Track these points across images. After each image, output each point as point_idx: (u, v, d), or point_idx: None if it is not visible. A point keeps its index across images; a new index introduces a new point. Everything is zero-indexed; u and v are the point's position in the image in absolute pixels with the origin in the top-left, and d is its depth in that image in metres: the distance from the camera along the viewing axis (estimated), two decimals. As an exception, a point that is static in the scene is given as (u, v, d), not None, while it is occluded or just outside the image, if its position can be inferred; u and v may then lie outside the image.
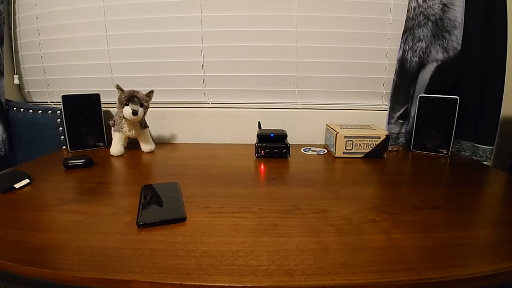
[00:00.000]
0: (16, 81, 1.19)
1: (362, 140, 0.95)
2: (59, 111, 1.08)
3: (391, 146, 1.07)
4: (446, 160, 0.96)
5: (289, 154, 0.95)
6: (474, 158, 1.02)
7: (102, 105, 1.05)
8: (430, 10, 0.97)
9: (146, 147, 1.02)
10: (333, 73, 1.11)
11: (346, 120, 1.14)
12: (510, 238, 0.51)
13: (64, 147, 1.09)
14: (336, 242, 0.49)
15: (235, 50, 1.09)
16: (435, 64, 1.02)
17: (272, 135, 0.97)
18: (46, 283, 0.43)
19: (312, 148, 1.07)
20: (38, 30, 1.14)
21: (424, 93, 1.04)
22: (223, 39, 1.09)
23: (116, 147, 0.98)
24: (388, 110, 1.09)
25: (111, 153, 0.97)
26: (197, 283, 0.40)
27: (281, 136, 0.97)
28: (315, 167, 0.88)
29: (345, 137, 0.95)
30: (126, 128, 0.97)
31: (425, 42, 1.00)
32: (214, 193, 0.68)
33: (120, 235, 0.51)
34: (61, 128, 1.09)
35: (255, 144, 0.96)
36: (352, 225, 0.55)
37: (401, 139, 1.12)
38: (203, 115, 1.15)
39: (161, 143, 1.14)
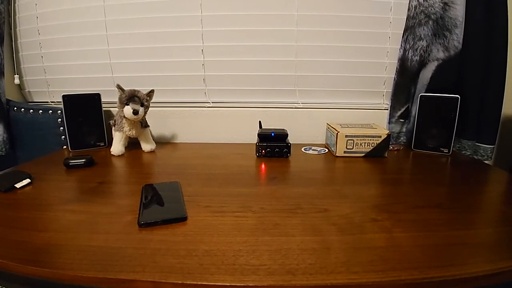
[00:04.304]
0: (17, 81, 1.19)
1: (363, 139, 0.95)
2: (59, 111, 1.08)
3: (392, 145, 1.07)
4: (447, 159, 0.96)
5: (290, 154, 0.95)
6: (475, 157, 1.02)
7: (103, 105, 1.05)
8: (431, 9, 0.97)
9: (146, 146, 1.02)
10: (333, 72, 1.11)
11: (347, 119, 1.14)
12: (512, 237, 0.51)
13: (64, 146, 1.09)
14: (338, 241, 0.49)
15: (235, 50, 1.09)
16: (436, 63, 1.02)
17: (273, 134, 0.97)
18: (48, 282, 0.43)
19: (313, 147, 1.07)
20: (38, 30, 1.14)
21: (425, 92, 1.04)
22: (223, 39, 1.08)
23: (117, 146, 0.98)
24: (389, 109, 1.09)
25: (111, 152, 0.97)
26: (199, 283, 0.40)
27: (281, 136, 0.97)
28: (316, 166, 0.88)
29: (346, 136, 0.95)
30: (126, 127, 0.97)
31: (426, 41, 1.00)
32: (215, 193, 0.68)
33: (122, 235, 0.51)
34: (61, 128, 1.09)
35: (256, 143, 0.96)
36: (353, 224, 0.55)
37: (402, 138, 1.12)
38: (204, 114, 1.15)
39: (161, 142, 1.14)
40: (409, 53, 1.01)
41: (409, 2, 0.97)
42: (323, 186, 0.73)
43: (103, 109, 1.05)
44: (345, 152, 0.96)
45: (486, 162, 0.97)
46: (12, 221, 0.55)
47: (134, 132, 0.98)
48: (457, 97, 0.95)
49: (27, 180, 0.72)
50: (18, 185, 0.70)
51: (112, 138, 1.00)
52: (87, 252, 0.46)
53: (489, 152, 1.00)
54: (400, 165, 0.90)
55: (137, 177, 0.79)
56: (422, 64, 1.03)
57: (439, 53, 1.01)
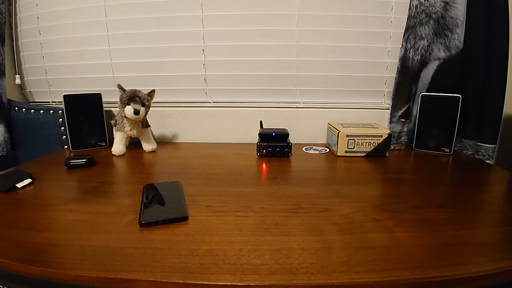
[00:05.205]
0: (18, 81, 1.19)
1: (364, 139, 0.95)
2: (60, 111, 1.08)
3: (393, 145, 1.07)
4: (449, 158, 0.95)
5: (291, 153, 0.95)
6: (476, 156, 1.02)
7: (104, 105, 1.05)
8: (432, 8, 0.96)
9: (147, 146, 1.02)
10: (334, 71, 1.11)
11: (348, 119, 1.13)
12: (514, 236, 0.50)
13: (66, 146, 1.09)
14: (339, 241, 0.49)
15: (236, 49, 1.09)
16: (437, 63, 1.02)
17: (274, 134, 0.97)
18: (49, 282, 0.43)
19: (314, 147, 1.07)
20: (39, 30, 1.14)
21: (426, 92, 1.04)
22: (224, 38, 1.08)
23: (118, 146, 0.98)
24: (390, 108, 1.09)
25: (113, 152, 0.98)
26: (200, 282, 0.40)
27: (282, 135, 0.97)
28: (317, 166, 0.88)
29: (347, 136, 0.94)
30: (127, 127, 0.97)
31: (427, 40, 1.00)
32: (216, 192, 0.68)
33: (123, 234, 0.51)
34: (62, 128, 1.09)
35: (257, 143, 0.96)
36: (354, 223, 0.54)
37: (403, 138, 1.12)
38: (205, 114, 1.15)
39: (162, 142, 1.14)
40: (410, 52, 1.01)
41: (410, 1, 0.97)
42: (324, 185, 0.73)
43: (104, 109, 1.05)
44: (346, 151, 0.96)
45: (487, 161, 0.97)
46: (13, 221, 0.55)
47: (135, 132, 0.98)
48: (458, 96, 0.95)
49: (28, 180, 0.73)
50: (19, 185, 0.70)
51: (113, 138, 1.00)
52: (88, 252, 0.46)
53: (491, 151, 1.00)
54: (401, 164, 0.90)
55: (138, 177, 0.79)
56: (423, 63, 1.03)
57: (440, 53, 1.01)
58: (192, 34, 1.09)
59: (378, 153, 0.96)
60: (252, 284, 0.39)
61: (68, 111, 1.00)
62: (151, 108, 0.99)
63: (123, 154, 0.98)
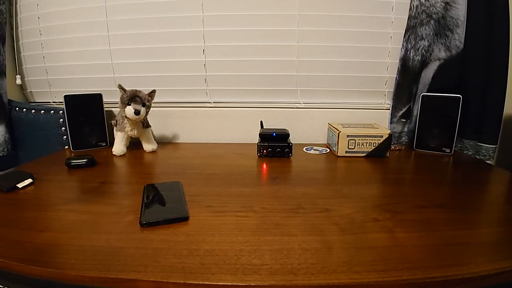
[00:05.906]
0: (19, 81, 1.19)
1: (365, 139, 0.95)
2: (61, 111, 1.09)
3: (394, 145, 1.07)
4: (449, 159, 0.95)
5: (291, 153, 0.95)
6: (477, 157, 1.02)
7: (104, 105, 1.05)
8: (433, 9, 0.96)
9: (148, 146, 1.03)
10: (335, 72, 1.11)
11: (348, 119, 1.13)
12: (515, 236, 0.50)
13: (66, 147, 1.09)
14: (340, 241, 0.49)
15: (237, 50, 1.09)
16: (437, 63, 1.02)
17: (274, 134, 0.97)
18: (50, 282, 0.43)
19: (315, 147, 1.07)
20: (40, 30, 1.14)
21: (426, 92, 1.04)
22: (225, 39, 1.09)
23: (118, 146, 0.98)
24: (391, 109, 1.09)
25: (113, 152, 0.98)
26: (200, 282, 0.40)
27: (283, 135, 0.97)
28: (317, 166, 0.88)
29: (348, 136, 0.94)
30: (128, 127, 0.97)
31: (428, 40, 1.00)
32: (217, 192, 0.68)
33: (123, 235, 0.51)
34: (63, 128, 1.09)
35: (257, 143, 0.96)
36: (355, 224, 0.54)
37: (403, 138, 1.12)
38: (205, 114, 1.15)
39: (163, 142, 1.14)
40: (411, 52, 1.01)
41: (411, 1, 0.97)
42: (324, 186, 0.73)
43: (105, 109, 1.05)
44: (346, 152, 0.96)
45: (488, 162, 0.97)
46: (14, 221, 0.55)
47: (135, 132, 0.99)
48: (459, 96, 0.95)
49: (29, 180, 0.73)
50: (20, 185, 0.70)
51: (114, 138, 1.00)
52: (88, 252, 0.46)
53: (491, 152, 1.00)
54: (401, 165, 0.90)
55: (138, 177, 0.79)
56: (424, 64, 1.03)
57: (440, 53, 1.01)
58: (193, 34, 1.09)
59: (379, 153, 0.96)
60: (252, 284, 0.39)
61: (69, 111, 1.00)
62: (151, 108, 0.99)
63: (123, 154, 0.98)
